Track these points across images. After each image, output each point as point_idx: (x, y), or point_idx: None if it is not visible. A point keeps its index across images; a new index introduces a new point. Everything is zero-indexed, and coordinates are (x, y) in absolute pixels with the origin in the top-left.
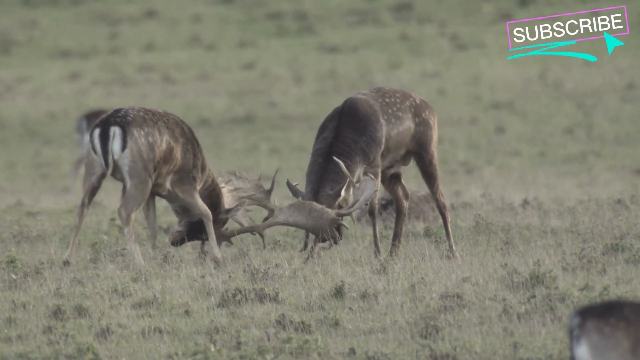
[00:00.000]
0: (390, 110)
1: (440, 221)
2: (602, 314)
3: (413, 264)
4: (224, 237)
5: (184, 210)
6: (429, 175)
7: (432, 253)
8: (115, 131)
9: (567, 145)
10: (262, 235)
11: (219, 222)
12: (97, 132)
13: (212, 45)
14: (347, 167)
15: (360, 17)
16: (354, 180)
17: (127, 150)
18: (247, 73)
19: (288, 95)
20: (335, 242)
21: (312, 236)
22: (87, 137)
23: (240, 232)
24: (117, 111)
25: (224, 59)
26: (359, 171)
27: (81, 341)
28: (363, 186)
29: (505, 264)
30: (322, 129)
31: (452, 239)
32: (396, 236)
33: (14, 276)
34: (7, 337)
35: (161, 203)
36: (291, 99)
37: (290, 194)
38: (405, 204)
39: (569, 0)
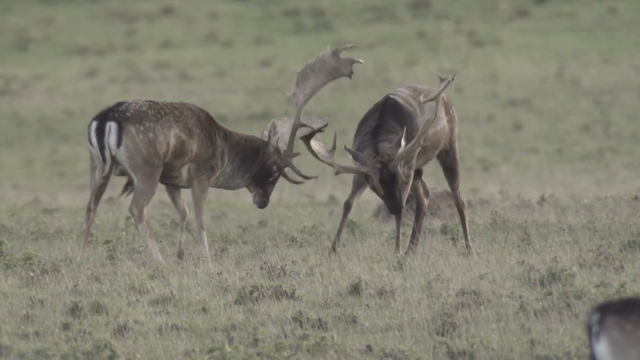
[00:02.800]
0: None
1: (458, 218)
2: (622, 311)
3: (430, 261)
4: (290, 158)
5: (226, 185)
6: (452, 171)
7: (449, 250)
8: (111, 126)
9: (584, 142)
10: (305, 124)
11: (270, 157)
12: (93, 125)
13: (229, 42)
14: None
15: (377, 14)
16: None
17: (122, 147)
18: (264, 70)
19: None
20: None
21: (339, 233)
22: None
23: (292, 140)
24: (119, 105)
25: (240, 56)
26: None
27: (98, 338)
28: (437, 88)
29: (522, 261)
30: (364, 121)
31: (469, 237)
32: (415, 234)
33: (31, 273)
34: (25, 334)
35: None
36: None
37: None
38: (426, 201)
39: None
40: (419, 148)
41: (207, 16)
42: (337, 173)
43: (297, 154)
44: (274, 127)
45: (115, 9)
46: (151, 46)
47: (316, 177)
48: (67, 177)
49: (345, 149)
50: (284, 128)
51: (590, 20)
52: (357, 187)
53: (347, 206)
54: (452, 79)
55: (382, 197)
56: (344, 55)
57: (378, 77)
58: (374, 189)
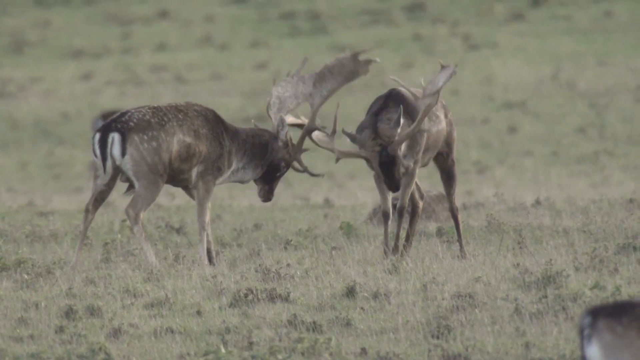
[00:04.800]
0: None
1: (452, 222)
2: (614, 314)
3: (425, 263)
4: (298, 153)
5: (237, 180)
6: (450, 175)
7: (444, 253)
8: (114, 137)
9: (579, 145)
10: (319, 128)
11: (278, 152)
12: (97, 137)
13: (225, 45)
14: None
15: (373, 17)
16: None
17: (127, 157)
18: (260, 73)
19: None
20: (367, 69)
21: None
22: None
23: (302, 139)
24: (122, 114)
25: (236, 59)
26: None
27: (93, 341)
28: (438, 75)
29: (517, 264)
30: (368, 110)
31: (463, 242)
32: (409, 236)
33: (25, 276)
34: (19, 337)
35: (174, 203)
36: None
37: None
38: (421, 204)
39: (581, 0)
40: (424, 141)
41: (203, 19)
42: (337, 160)
43: (306, 149)
44: (282, 121)
45: (111, 12)
46: (147, 49)
47: (323, 175)
48: (62, 180)
49: (343, 132)
50: (286, 92)
51: (586, 23)
52: (382, 188)
53: (386, 215)
54: (456, 71)
55: (382, 179)
56: (361, 57)
57: (374, 79)
58: (373, 169)
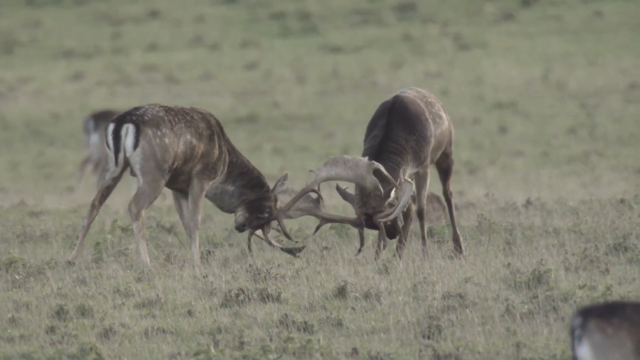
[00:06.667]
0: (433, 110)
1: (443, 221)
2: (604, 314)
3: (416, 264)
4: (284, 214)
5: (222, 199)
6: (447, 171)
7: (434, 253)
8: (128, 128)
9: (570, 145)
10: (317, 192)
11: (269, 199)
12: (110, 128)
13: (215, 45)
14: (397, 165)
15: (363, 17)
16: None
17: (139, 149)
18: (250, 73)
19: (291, 96)
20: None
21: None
22: (93, 138)
23: (294, 201)
24: (137, 109)
25: (227, 59)
26: (410, 170)
27: (84, 341)
28: (402, 189)
29: (508, 264)
30: (372, 126)
31: (457, 228)
32: (401, 237)
33: (16, 276)
34: (10, 337)
35: (165, 203)
36: (294, 99)
37: (341, 199)
38: (413, 206)
39: (571, 0)
40: (430, 147)
41: (194, 19)
42: (318, 227)
43: (290, 216)
44: (285, 178)
45: (101, 12)
46: (138, 49)
47: (300, 250)
48: (53, 180)
49: (337, 188)
50: (290, 190)
51: (576, 23)
52: None
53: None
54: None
55: None
56: (376, 177)
57: (364, 80)
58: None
